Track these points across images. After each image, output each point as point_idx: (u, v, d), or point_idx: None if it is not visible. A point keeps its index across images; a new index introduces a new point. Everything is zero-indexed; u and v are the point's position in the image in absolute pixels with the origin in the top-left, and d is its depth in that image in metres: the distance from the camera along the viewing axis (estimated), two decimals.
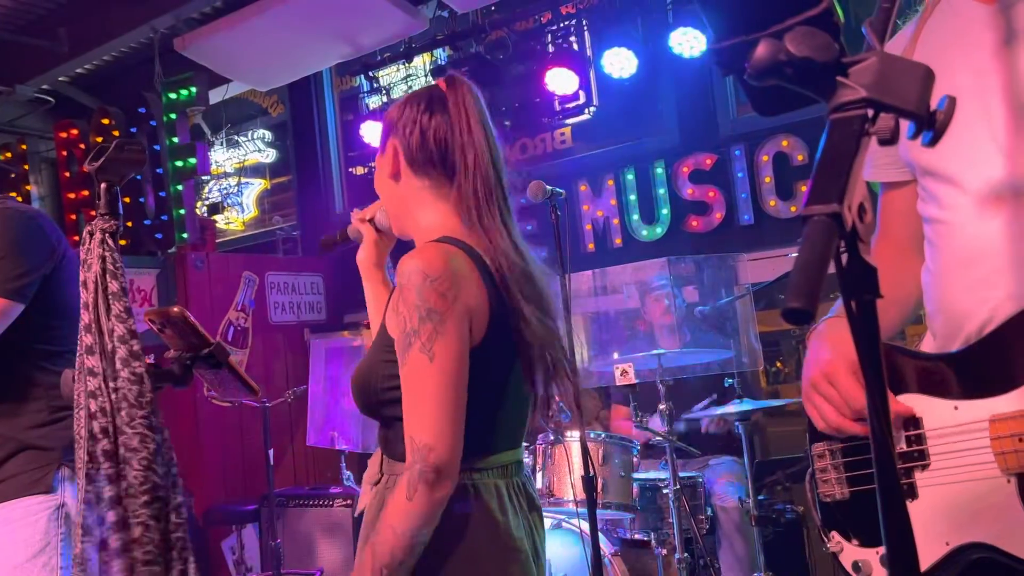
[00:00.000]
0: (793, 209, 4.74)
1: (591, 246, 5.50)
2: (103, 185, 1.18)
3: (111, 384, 1.21)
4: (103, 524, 1.17)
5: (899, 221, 1.32)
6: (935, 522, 1.13)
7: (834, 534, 1.28)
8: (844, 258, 0.74)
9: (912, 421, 1.17)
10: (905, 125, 0.78)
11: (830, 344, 1.20)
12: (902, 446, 1.17)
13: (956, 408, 1.11)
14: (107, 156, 1.19)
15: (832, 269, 0.74)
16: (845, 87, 0.78)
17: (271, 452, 4.36)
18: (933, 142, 0.80)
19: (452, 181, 1.46)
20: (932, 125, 0.79)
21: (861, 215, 0.74)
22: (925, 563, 1.14)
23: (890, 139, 0.77)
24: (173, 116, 5.63)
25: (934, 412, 1.15)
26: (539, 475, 3.37)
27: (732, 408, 3.36)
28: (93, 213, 1.22)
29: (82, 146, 5.89)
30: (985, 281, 1.12)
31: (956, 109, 1.10)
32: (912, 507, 1.16)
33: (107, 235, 1.19)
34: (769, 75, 0.81)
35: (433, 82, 1.61)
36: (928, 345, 1.25)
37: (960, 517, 1.10)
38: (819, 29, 0.81)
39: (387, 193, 1.55)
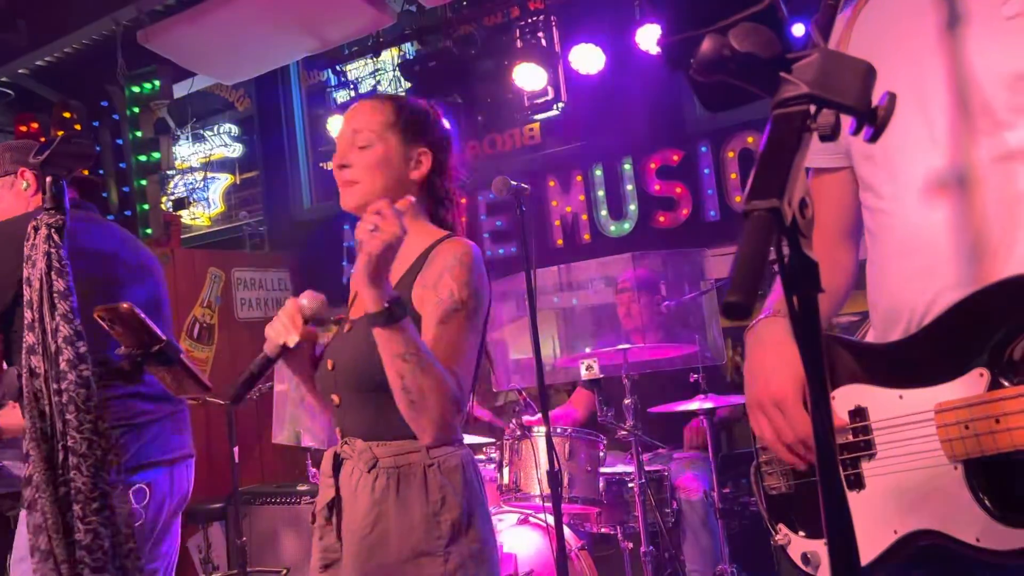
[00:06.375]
0: None
1: (560, 242, 5.51)
2: (48, 179, 1.16)
3: (54, 386, 1.18)
4: (43, 529, 1.14)
5: (828, 208, 1.31)
6: (882, 511, 1.14)
7: (781, 526, 1.28)
8: (785, 253, 0.74)
9: (857, 411, 1.18)
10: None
11: (776, 358, 1.20)
12: (848, 436, 1.18)
13: (901, 397, 1.13)
14: (52, 149, 1.16)
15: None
16: (788, 83, 0.78)
17: (236, 450, 4.31)
18: (875, 137, 0.81)
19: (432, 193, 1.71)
20: (874, 120, 0.79)
21: (803, 210, 0.75)
22: (873, 552, 1.15)
23: (831, 135, 0.77)
24: (136, 110, 5.55)
25: (879, 401, 1.16)
26: (505, 470, 3.37)
27: (697, 405, 3.39)
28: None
29: (43, 140, 5.78)
30: (924, 271, 1.13)
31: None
32: (859, 497, 1.17)
33: (52, 230, 1.17)
34: (714, 70, 0.82)
35: (408, 90, 1.85)
36: (871, 335, 1.26)
37: (907, 505, 1.12)
38: (763, 25, 0.82)
39: (389, 177, 1.64)
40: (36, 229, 1.18)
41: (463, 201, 1.76)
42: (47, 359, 1.15)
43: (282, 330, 1.57)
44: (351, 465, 1.56)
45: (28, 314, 1.16)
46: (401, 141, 1.64)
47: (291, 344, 1.56)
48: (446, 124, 1.75)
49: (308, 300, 1.59)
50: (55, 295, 1.15)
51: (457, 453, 1.57)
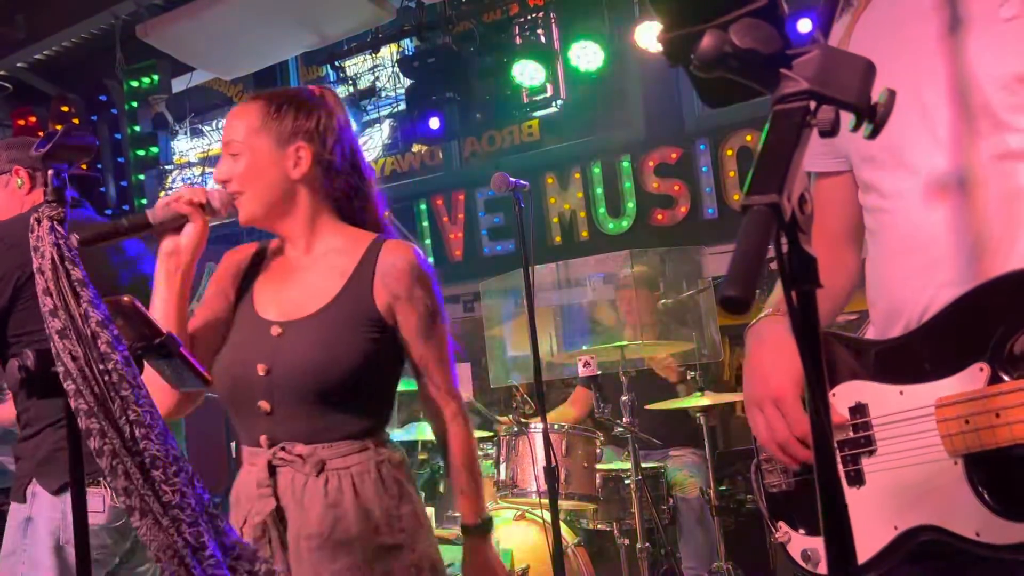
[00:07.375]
0: None
1: (558, 239, 5.52)
2: (50, 172, 1.17)
3: (99, 367, 1.18)
4: (134, 490, 1.14)
5: (831, 211, 1.33)
6: (883, 507, 1.15)
7: (781, 524, 1.29)
8: (784, 248, 0.75)
9: (858, 407, 1.19)
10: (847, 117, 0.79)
11: (776, 356, 1.21)
12: (848, 432, 1.19)
13: (901, 393, 1.13)
14: (54, 142, 1.17)
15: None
16: (788, 79, 0.79)
17: (233, 445, 4.31)
18: (874, 134, 0.81)
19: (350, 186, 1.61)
20: (873, 117, 0.80)
21: (802, 206, 0.75)
22: (874, 548, 1.15)
23: (831, 131, 0.78)
24: (135, 104, 5.54)
25: (879, 397, 1.16)
26: (503, 466, 3.37)
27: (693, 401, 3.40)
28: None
29: (40, 134, 5.77)
30: (924, 269, 1.14)
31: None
32: (860, 493, 1.17)
33: (55, 222, 1.17)
34: (714, 66, 0.82)
35: (309, 85, 1.77)
36: (871, 332, 1.26)
37: (907, 501, 1.12)
38: (764, 21, 0.82)
39: (267, 184, 1.53)
40: (38, 221, 1.18)
41: (373, 187, 1.63)
42: (82, 343, 1.15)
43: (187, 197, 1.47)
44: (291, 472, 1.49)
45: (48, 301, 1.16)
46: (272, 144, 1.52)
47: (188, 209, 1.45)
48: (335, 109, 1.60)
49: (221, 193, 1.48)
50: (75, 283, 1.15)
51: (399, 449, 1.59)
